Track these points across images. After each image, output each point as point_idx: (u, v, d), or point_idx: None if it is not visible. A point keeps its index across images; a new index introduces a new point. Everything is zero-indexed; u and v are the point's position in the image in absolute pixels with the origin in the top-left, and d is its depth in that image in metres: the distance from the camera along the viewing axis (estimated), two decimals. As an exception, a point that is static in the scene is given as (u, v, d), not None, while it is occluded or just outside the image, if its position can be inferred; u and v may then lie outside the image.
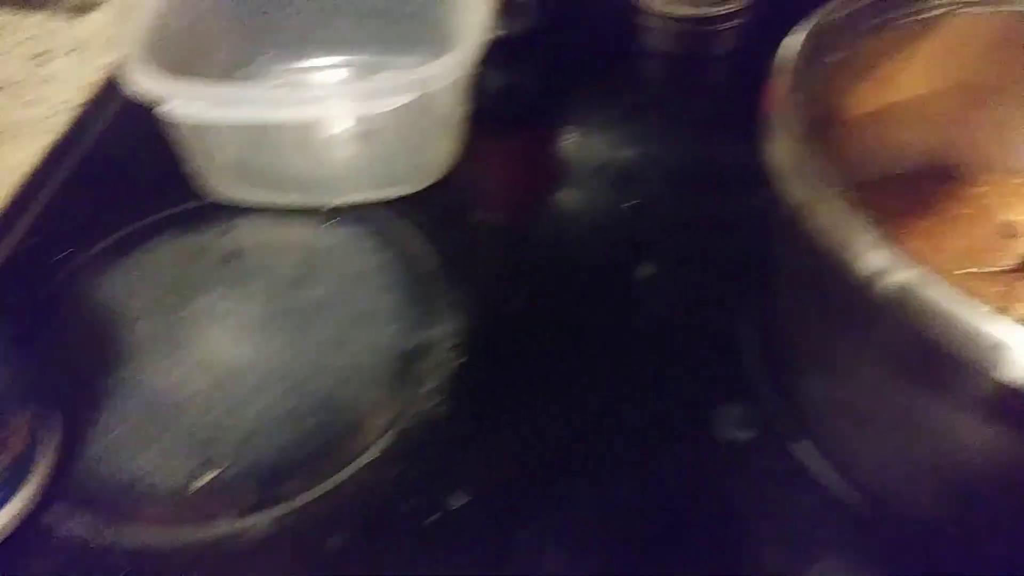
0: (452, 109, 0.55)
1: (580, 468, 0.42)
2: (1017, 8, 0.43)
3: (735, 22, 0.65)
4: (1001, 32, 0.43)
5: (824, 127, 0.38)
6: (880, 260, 0.30)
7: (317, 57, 0.64)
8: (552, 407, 0.45)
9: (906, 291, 0.29)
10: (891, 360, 0.34)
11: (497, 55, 0.67)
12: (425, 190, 0.56)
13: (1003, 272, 0.45)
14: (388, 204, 0.55)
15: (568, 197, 0.58)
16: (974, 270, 0.45)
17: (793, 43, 0.39)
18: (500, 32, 0.66)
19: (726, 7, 0.64)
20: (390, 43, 0.62)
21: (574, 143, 0.61)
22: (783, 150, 0.34)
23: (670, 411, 0.44)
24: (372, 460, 0.43)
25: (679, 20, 0.65)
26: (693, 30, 0.65)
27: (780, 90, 0.37)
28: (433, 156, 0.56)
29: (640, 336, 0.48)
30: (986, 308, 0.28)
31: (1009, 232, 0.48)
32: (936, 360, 0.29)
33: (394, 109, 0.49)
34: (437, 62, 0.49)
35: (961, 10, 0.43)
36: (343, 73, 0.63)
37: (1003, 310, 0.27)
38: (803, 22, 0.40)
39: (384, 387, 0.46)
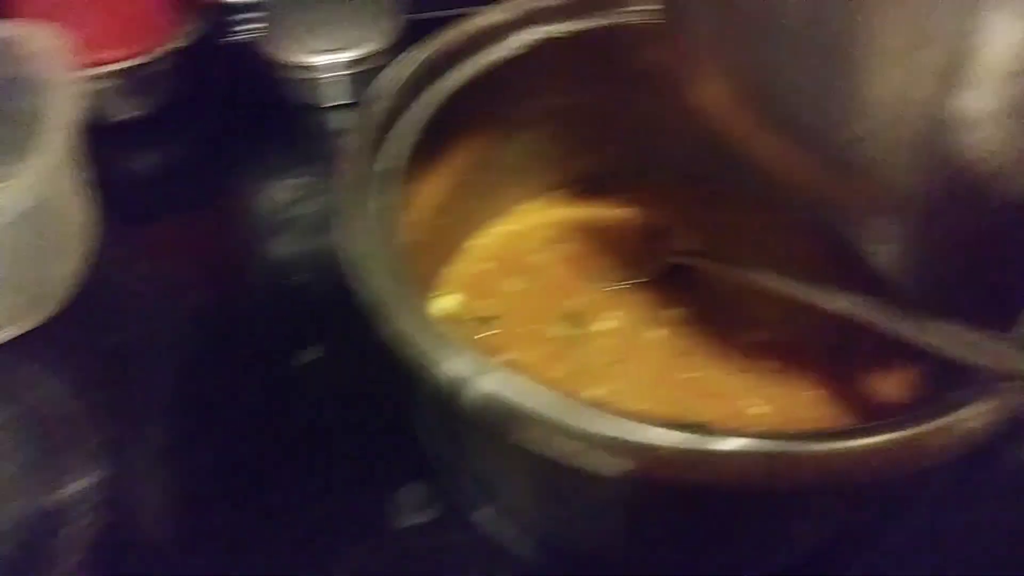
0: (63, 216, 0.49)
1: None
2: (604, 22, 0.43)
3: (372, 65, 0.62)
4: (599, 46, 0.43)
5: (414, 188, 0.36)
6: (459, 369, 0.27)
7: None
8: (215, 550, 0.40)
9: (490, 399, 0.27)
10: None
11: (130, 138, 0.61)
12: (54, 318, 0.49)
13: (652, 281, 0.45)
14: (8, 346, 0.47)
15: (230, 280, 0.53)
16: (625, 285, 0.45)
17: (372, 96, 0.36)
18: (131, 114, 0.61)
19: (359, 50, 0.61)
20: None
21: (231, 216, 0.57)
22: (350, 234, 0.31)
23: (346, 504, 0.41)
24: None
25: (312, 68, 0.61)
26: (331, 77, 0.62)
27: (348, 161, 0.34)
28: (52, 277, 0.49)
29: (309, 427, 0.44)
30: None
31: (655, 234, 0.48)
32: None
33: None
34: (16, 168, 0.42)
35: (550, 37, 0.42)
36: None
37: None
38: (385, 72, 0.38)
39: (21, 565, 0.39)
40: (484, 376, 0.27)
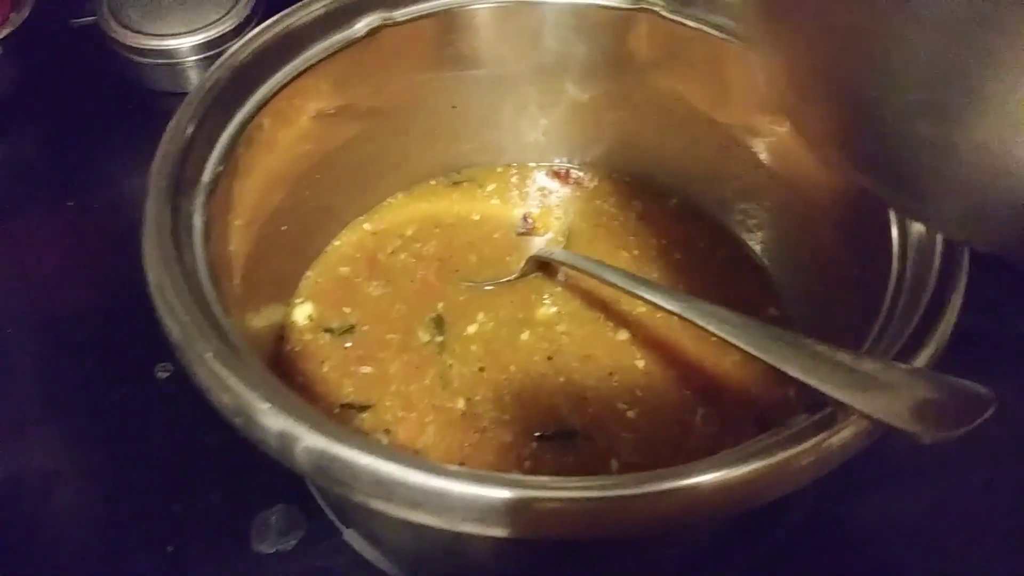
0: None
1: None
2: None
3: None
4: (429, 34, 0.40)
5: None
6: (277, 425, 0.25)
7: None
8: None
9: (318, 455, 0.25)
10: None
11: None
12: None
13: (519, 279, 0.43)
14: None
15: (79, 289, 0.49)
16: (490, 287, 0.43)
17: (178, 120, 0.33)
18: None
19: (214, 30, 0.56)
20: None
21: (82, 216, 0.53)
22: (158, 283, 0.28)
23: (210, 527, 0.39)
24: None
25: (165, 52, 0.56)
26: (186, 61, 0.57)
27: (153, 187, 0.30)
28: None
29: (171, 445, 0.41)
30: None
31: (526, 228, 0.46)
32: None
33: None
34: None
35: (385, 26, 0.39)
36: None
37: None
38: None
39: None
40: (312, 431, 0.25)
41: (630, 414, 0.38)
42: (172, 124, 0.33)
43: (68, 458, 0.42)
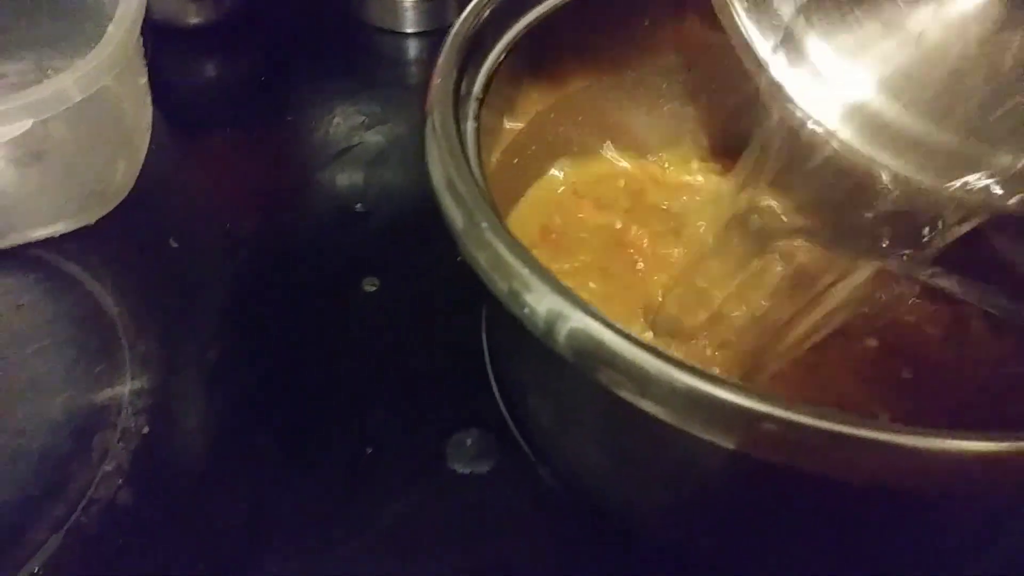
0: (120, 116, 0.46)
1: (304, 531, 0.36)
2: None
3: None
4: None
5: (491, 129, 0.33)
6: (548, 305, 0.25)
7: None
8: (258, 473, 0.38)
9: (581, 337, 0.25)
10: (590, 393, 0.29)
11: (196, 46, 0.59)
12: (102, 220, 0.47)
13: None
14: (56, 243, 0.45)
15: (287, 202, 0.51)
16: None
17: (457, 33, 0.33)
18: (198, 20, 0.58)
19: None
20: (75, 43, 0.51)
21: (293, 135, 0.54)
22: (438, 168, 0.29)
23: (404, 444, 0.39)
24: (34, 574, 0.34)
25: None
26: (412, 3, 0.59)
27: (436, 93, 0.31)
28: (105, 178, 0.47)
29: (367, 361, 0.42)
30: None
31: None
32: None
33: (28, 129, 0.40)
34: (72, 69, 0.40)
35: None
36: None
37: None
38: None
39: (53, 472, 0.38)
40: (583, 315, 0.25)
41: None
42: (451, 37, 0.34)
43: (276, 350, 0.43)
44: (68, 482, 0.37)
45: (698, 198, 0.45)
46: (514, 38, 0.36)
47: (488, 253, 0.27)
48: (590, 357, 0.25)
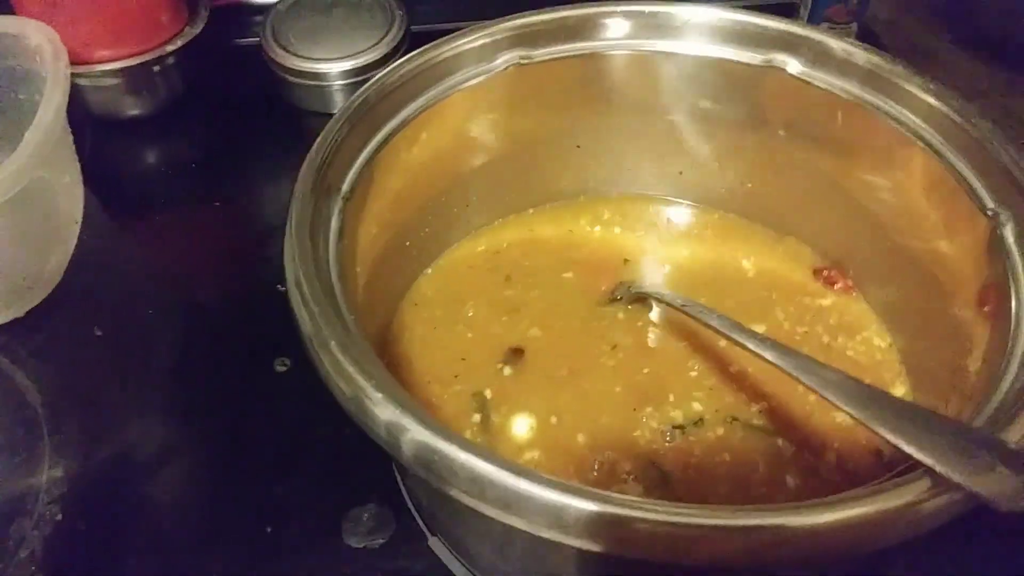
0: (50, 213, 0.49)
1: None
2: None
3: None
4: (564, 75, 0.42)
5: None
6: (391, 418, 0.27)
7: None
8: (164, 553, 0.40)
9: (424, 449, 0.26)
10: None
11: (132, 135, 0.62)
12: (35, 311, 0.49)
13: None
14: (-15, 336, 0.48)
15: (210, 284, 0.53)
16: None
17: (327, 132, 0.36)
18: (133, 112, 0.61)
19: (363, 58, 0.61)
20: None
21: (222, 219, 0.57)
22: (290, 268, 0.31)
23: (307, 516, 0.41)
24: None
25: (317, 75, 0.61)
26: (335, 85, 0.62)
27: (297, 193, 0.33)
28: (35, 271, 0.49)
29: (274, 440, 0.44)
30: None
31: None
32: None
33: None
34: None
35: (523, 64, 0.41)
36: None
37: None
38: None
39: (-31, 564, 0.39)
40: (419, 424, 0.26)
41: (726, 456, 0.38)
42: (322, 134, 0.36)
43: (188, 431, 0.45)
44: (-17, 569, 0.39)
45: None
46: (387, 134, 0.39)
47: (330, 359, 0.29)
48: (430, 469, 0.26)
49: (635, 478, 0.37)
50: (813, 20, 0.61)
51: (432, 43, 0.40)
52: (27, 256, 0.49)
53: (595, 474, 0.37)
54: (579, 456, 0.38)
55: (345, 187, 0.36)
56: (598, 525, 0.25)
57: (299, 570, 0.39)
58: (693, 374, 0.41)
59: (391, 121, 0.39)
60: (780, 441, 0.38)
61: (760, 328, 0.43)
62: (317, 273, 0.31)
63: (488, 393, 0.40)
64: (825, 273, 0.46)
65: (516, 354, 0.42)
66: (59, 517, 0.41)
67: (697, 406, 0.39)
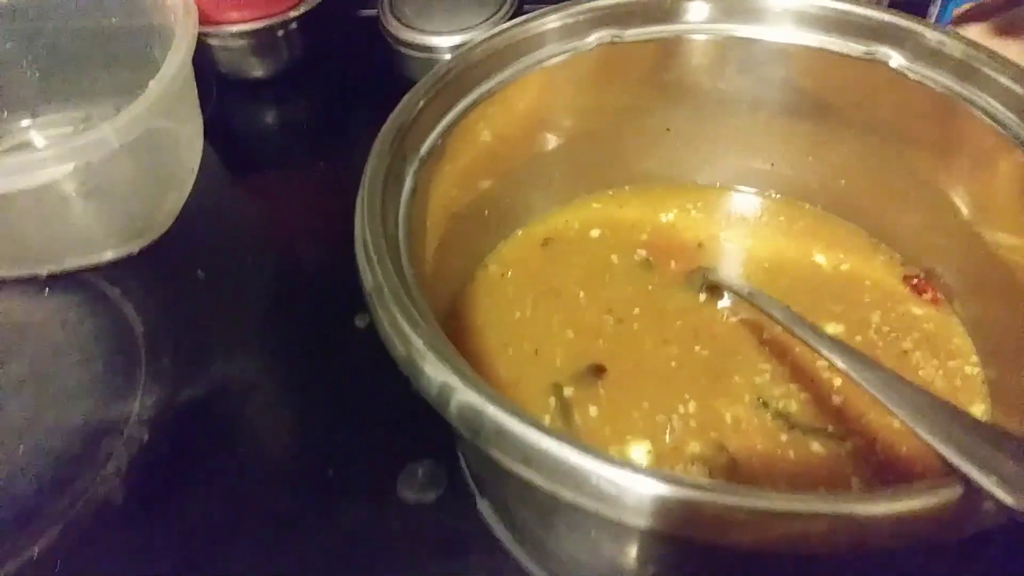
0: (169, 160, 0.53)
1: (261, 538, 0.40)
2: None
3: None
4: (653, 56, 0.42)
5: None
6: (441, 378, 0.28)
7: (52, 114, 0.61)
8: (235, 482, 0.43)
9: (470, 411, 0.27)
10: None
11: (252, 95, 0.66)
12: (145, 249, 0.53)
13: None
14: (103, 269, 0.52)
15: (306, 240, 0.56)
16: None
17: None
18: (255, 74, 0.65)
19: (473, 32, 0.62)
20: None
21: (326, 179, 0.60)
22: (358, 227, 0.32)
23: (359, 470, 0.43)
24: (30, 559, 0.40)
25: (429, 48, 0.63)
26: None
27: (374, 151, 0.35)
28: (150, 213, 0.53)
29: (348, 392, 0.46)
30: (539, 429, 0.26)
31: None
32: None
33: (83, 167, 0.46)
34: (113, 119, 0.46)
35: (613, 43, 0.41)
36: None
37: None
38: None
39: (64, 469, 0.43)
40: (471, 390, 0.27)
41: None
42: (405, 98, 0.37)
43: (271, 373, 0.48)
44: (74, 479, 0.43)
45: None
46: (470, 102, 0.40)
47: (388, 316, 0.30)
48: (477, 432, 0.26)
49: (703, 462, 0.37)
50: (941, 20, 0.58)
51: (522, 18, 0.40)
52: (145, 198, 0.53)
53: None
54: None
55: (424, 150, 0.37)
56: (661, 507, 0.24)
57: (352, 519, 0.41)
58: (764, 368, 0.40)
59: (476, 90, 0.39)
60: (849, 445, 0.37)
61: (838, 328, 0.42)
62: (384, 230, 0.32)
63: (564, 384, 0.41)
64: (915, 281, 0.44)
65: (594, 370, 0.41)
66: (145, 438, 0.44)
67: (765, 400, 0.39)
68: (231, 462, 0.44)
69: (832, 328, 0.42)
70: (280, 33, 0.63)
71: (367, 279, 0.31)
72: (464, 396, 0.27)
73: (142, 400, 0.46)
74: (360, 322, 0.49)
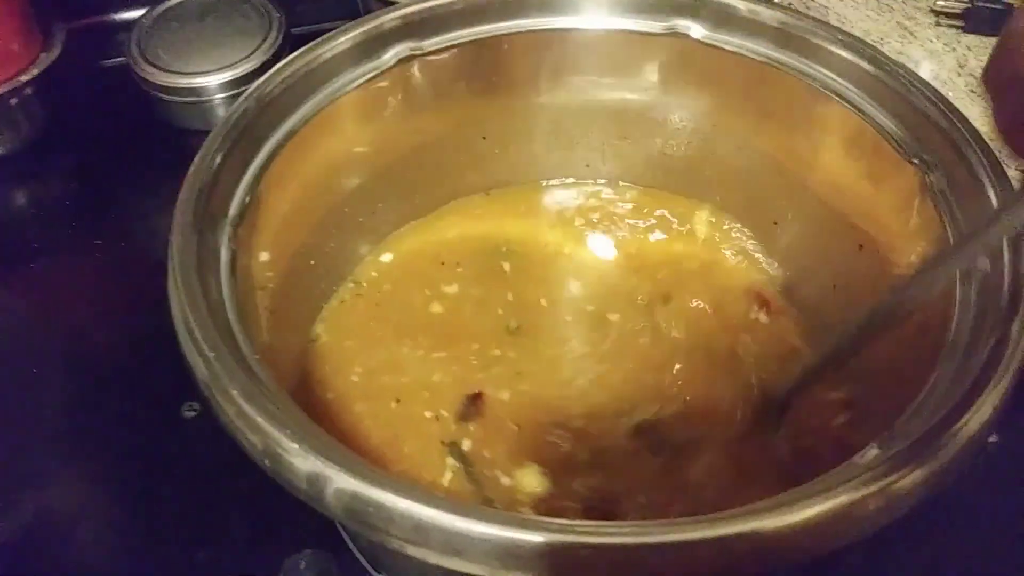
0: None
1: None
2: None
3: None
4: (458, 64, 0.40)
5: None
6: (309, 468, 0.24)
7: None
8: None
9: (351, 499, 0.23)
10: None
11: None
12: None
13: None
14: None
15: (105, 331, 0.49)
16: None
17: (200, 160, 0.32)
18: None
19: (242, 68, 0.56)
20: None
21: (112, 257, 0.52)
22: (177, 314, 0.27)
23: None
24: None
25: (193, 90, 0.56)
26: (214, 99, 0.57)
27: (177, 227, 0.30)
28: None
29: (192, 492, 0.40)
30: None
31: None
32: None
33: None
34: None
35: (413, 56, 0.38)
36: None
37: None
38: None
39: None
40: (345, 473, 0.24)
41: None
42: (199, 156, 0.32)
43: (92, 499, 0.41)
44: None
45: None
46: (274, 147, 0.35)
47: (234, 409, 0.25)
48: (364, 521, 0.23)
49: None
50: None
51: (311, 43, 0.36)
52: None
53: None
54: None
55: (232, 211, 0.33)
56: (558, 557, 0.22)
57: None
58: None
59: (276, 133, 0.35)
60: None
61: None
62: (210, 313, 0.28)
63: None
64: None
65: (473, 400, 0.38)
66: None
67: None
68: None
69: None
70: (13, 101, 0.55)
71: (199, 369, 0.27)
72: (342, 483, 0.24)
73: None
74: (189, 412, 0.43)
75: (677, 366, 0.39)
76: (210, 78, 0.56)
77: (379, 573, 0.36)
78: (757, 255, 0.43)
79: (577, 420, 0.37)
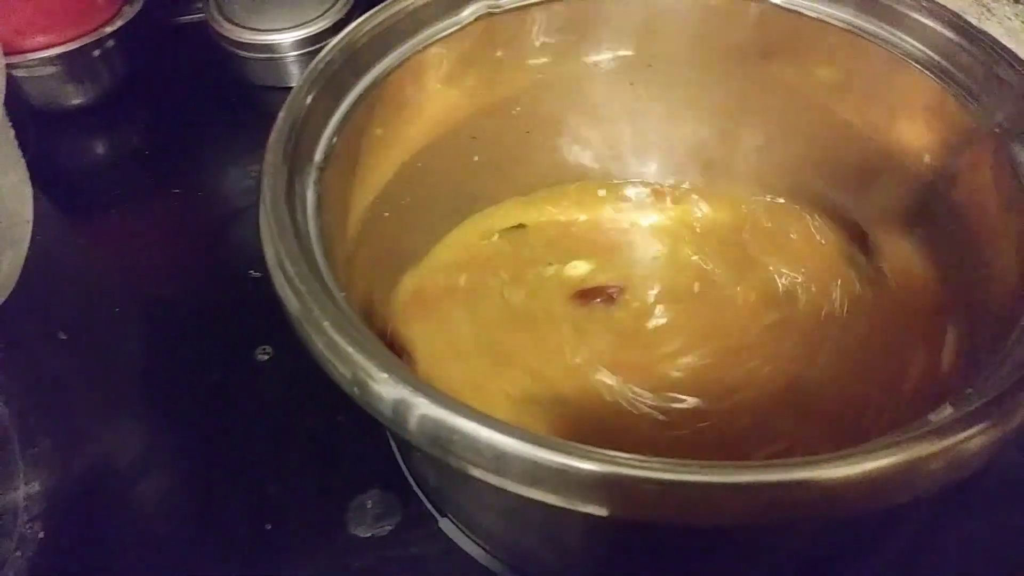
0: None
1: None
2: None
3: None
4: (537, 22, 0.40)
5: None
6: (396, 395, 0.25)
7: None
8: (159, 562, 0.38)
9: (433, 424, 0.24)
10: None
11: (77, 126, 0.58)
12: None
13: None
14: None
15: (179, 276, 0.50)
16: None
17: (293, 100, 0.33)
18: (76, 101, 0.58)
19: (315, 26, 0.57)
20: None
21: (182, 207, 0.54)
22: (269, 249, 0.28)
23: (307, 510, 0.39)
24: None
25: (267, 47, 0.58)
26: (287, 56, 0.58)
27: (268, 167, 0.31)
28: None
29: (263, 433, 0.42)
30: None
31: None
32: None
33: None
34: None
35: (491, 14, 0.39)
36: None
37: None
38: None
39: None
40: (431, 401, 0.24)
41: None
42: (288, 100, 0.33)
43: (169, 433, 0.43)
44: (-36, 601, 0.36)
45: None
46: (357, 96, 0.36)
47: (324, 339, 0.26)
48: (445, 447, 0.24)
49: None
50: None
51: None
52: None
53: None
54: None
55: (318, 156, 0.34)
56: (624, 489, 0.23)
57: (307, 566, 0.37)
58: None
59: (361, 82, 0.36)
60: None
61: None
62: (300, 248, 0.29)
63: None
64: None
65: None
66: (41, 535, 0.38)
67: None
68: (148, 544, 0.39)
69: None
70: (96, 53, 0.56)
71: (291, 303, 0.28)
72: (425, 410, 0.24)
73: (26, 491, 0.40)
74: (262, 355, 0.44)
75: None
76: (285, 35, 0.58)
77: (443, 516, 0.38)
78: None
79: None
